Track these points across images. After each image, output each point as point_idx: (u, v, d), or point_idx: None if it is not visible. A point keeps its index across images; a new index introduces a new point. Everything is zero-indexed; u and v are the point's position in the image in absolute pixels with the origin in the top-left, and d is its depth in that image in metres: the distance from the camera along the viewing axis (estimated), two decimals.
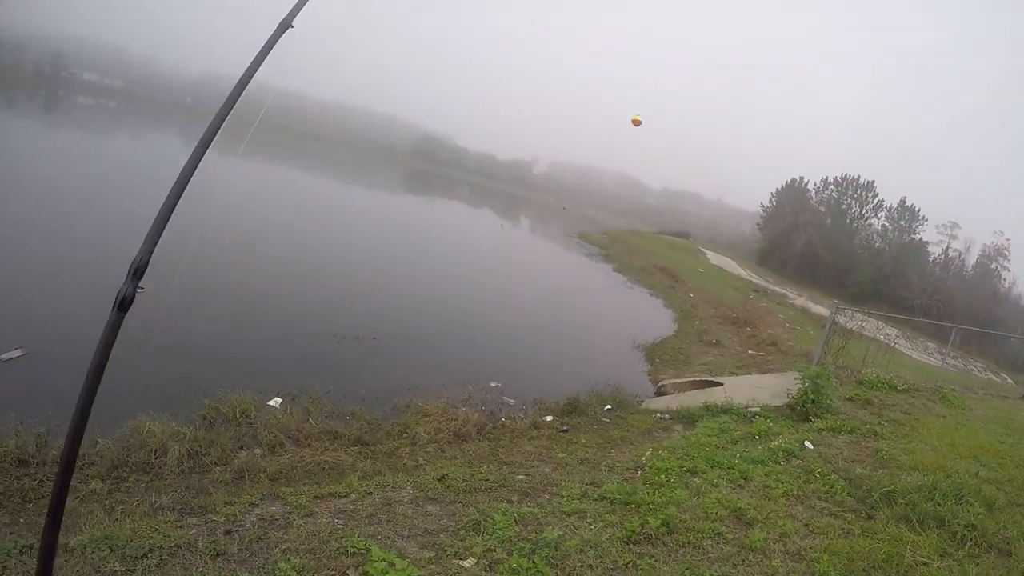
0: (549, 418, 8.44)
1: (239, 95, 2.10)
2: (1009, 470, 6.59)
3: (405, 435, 6.95)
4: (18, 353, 6.95)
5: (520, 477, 5.67)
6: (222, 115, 2.07)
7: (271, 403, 7.07)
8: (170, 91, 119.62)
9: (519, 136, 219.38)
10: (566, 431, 7.95)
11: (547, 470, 6.05)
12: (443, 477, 5.44)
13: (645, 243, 49.04)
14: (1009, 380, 28.36)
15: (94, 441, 5.35)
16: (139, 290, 1.84)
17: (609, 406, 9.44)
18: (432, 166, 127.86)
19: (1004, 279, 60.88)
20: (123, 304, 1.80)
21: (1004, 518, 5.09)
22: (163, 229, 1.89)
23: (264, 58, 2.17)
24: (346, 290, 14.08)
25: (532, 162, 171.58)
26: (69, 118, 47.56)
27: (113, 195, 18.48)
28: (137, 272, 1.82)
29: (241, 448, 5.96)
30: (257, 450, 5.98)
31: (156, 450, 5.43)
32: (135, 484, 5.03)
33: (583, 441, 7.46)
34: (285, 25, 2.27)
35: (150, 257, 1.85)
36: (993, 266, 60.72)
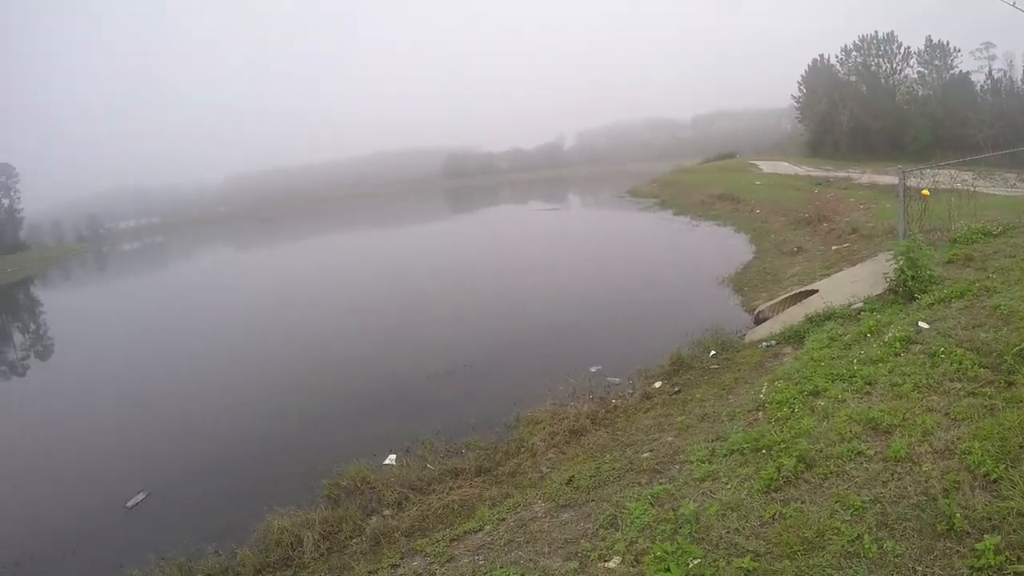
0: (658, 384, 8.20)
1: None
2: None
3: (523, 450, 6.89)
4: (141, 496, 7.26)
5: (645, 455, 5.49)
6: None
7: (387, 461, 7.15)
8: (202, 205, 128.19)
9: (538, 121, 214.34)
10: (678, 392, 7.69)
11: (670, 439, 5.83)
12: (570, 480, 5.33)
13: (695, 177, 46.76)
14: None
15: (233, 552, 5.59)
16: None
17: (713, 351, 9.11)
18: (467, 180, 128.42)
19: None
20: None
21: None
22: None
23: None
24: (428, 330, 14.08)
25: (559, 141, 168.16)
26: (128, 266, 49.27)
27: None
28: None
29: (370, 515, 6.01)
30: (386, 511, 6.02)
31: (291, 543, 5.58)
32: None
33: (698, 396, 7.18)
34: None
35: None
36: None
